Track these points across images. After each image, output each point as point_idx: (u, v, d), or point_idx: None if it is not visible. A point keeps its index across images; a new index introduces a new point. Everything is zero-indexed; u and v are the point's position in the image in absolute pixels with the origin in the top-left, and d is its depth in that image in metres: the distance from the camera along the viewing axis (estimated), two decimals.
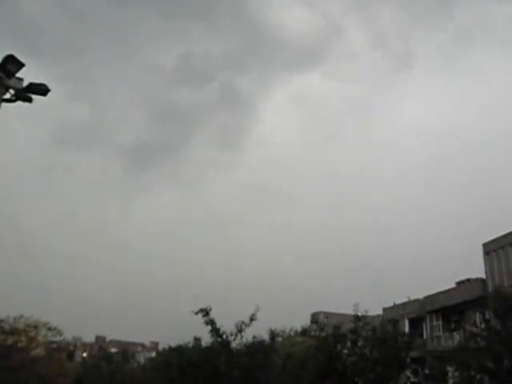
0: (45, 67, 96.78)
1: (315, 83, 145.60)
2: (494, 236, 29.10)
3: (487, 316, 22.14)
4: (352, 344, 26.18)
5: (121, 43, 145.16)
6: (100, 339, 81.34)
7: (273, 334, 24.94)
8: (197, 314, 23.58)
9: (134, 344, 76.82)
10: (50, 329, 46.91)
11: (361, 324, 25.11)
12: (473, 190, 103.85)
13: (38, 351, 45.88)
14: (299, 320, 27.65)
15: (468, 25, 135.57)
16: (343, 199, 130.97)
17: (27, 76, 9.52)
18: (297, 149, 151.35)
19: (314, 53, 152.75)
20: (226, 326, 24.38)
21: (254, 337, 24.71)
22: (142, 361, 51.29)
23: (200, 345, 25.64)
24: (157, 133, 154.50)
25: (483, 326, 21.68)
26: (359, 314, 25.13)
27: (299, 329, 27.40)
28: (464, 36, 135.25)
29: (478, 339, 21.30)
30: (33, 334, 45.57)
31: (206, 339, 25.31)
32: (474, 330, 22.12)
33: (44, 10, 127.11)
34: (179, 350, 27.00)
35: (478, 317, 23.39)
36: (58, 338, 48.36)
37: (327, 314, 36.80)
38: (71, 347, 65.84)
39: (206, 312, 23.79)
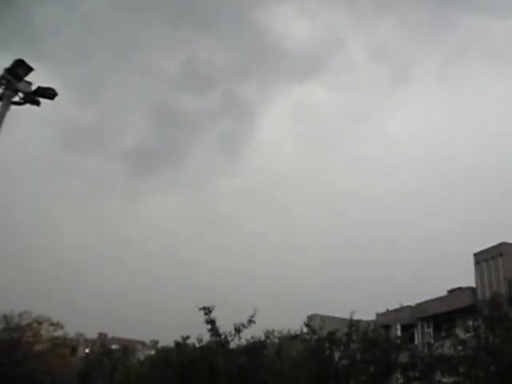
0: (54, 71, 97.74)
1: (315, 93, 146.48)
2: (485, 247, 30.24)
3: (476, 324, 22.89)
4: (345, 347, 27.20)
5: (128, 48, 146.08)
6: (102, 336, 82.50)
7: (268, 335, 25.83)
8: (200, 310, 24.44)
9: (135, 342, 77.92)
10: (52, 324, 48.26)
11: (354, 328, 26.14)
12: (464, 206, 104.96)
13: (42, 346, 47.15)
14: (297, 322, 28.84)
15: (466, 39, 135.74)
16: (342, 214, 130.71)
17: (36, 80, 9.84)
18: (295, 158, 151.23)
19: (315, 63, 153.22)
20: (226, 326, 25.12)
21: (252, 337, 25.34)
22: (142, 358, 52.42)
23: (200, 343, 26.53)
24: (160, 137, 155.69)
25: (472, 333, 22.51)
26: (354, 319, 26.04)
27: (293, 332, 28.18)
28: (462, 50, 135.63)
29: (466, 346, 22.15)
30: (37, 329, 46.87)
31: (206, 338, 25.93)
32: (463, 337, 22.98)
33: (54, 16, 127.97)
34: (179, 347, 27.96)
35: (467, 324, 24.15)
36: (60, 333, 49.71)
37: (323, 318, 37.73)
38: (74, 343, 67.07)
39: (208, 310, 24.59)
